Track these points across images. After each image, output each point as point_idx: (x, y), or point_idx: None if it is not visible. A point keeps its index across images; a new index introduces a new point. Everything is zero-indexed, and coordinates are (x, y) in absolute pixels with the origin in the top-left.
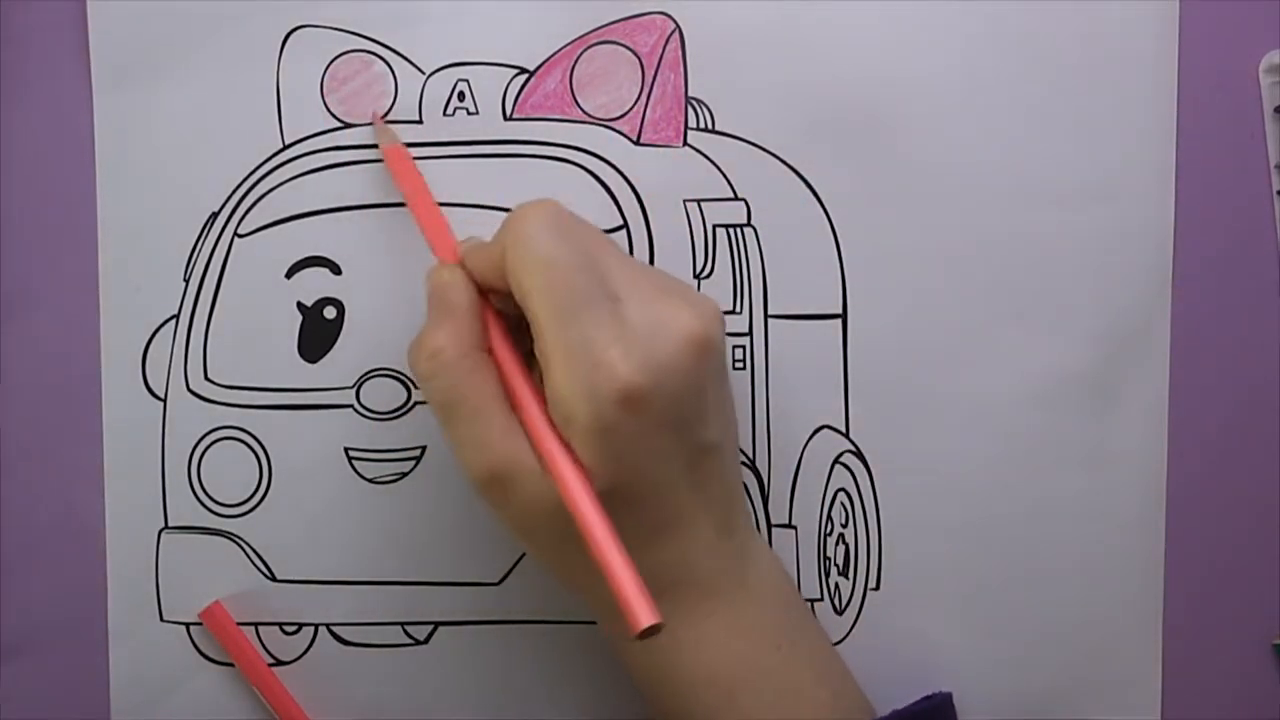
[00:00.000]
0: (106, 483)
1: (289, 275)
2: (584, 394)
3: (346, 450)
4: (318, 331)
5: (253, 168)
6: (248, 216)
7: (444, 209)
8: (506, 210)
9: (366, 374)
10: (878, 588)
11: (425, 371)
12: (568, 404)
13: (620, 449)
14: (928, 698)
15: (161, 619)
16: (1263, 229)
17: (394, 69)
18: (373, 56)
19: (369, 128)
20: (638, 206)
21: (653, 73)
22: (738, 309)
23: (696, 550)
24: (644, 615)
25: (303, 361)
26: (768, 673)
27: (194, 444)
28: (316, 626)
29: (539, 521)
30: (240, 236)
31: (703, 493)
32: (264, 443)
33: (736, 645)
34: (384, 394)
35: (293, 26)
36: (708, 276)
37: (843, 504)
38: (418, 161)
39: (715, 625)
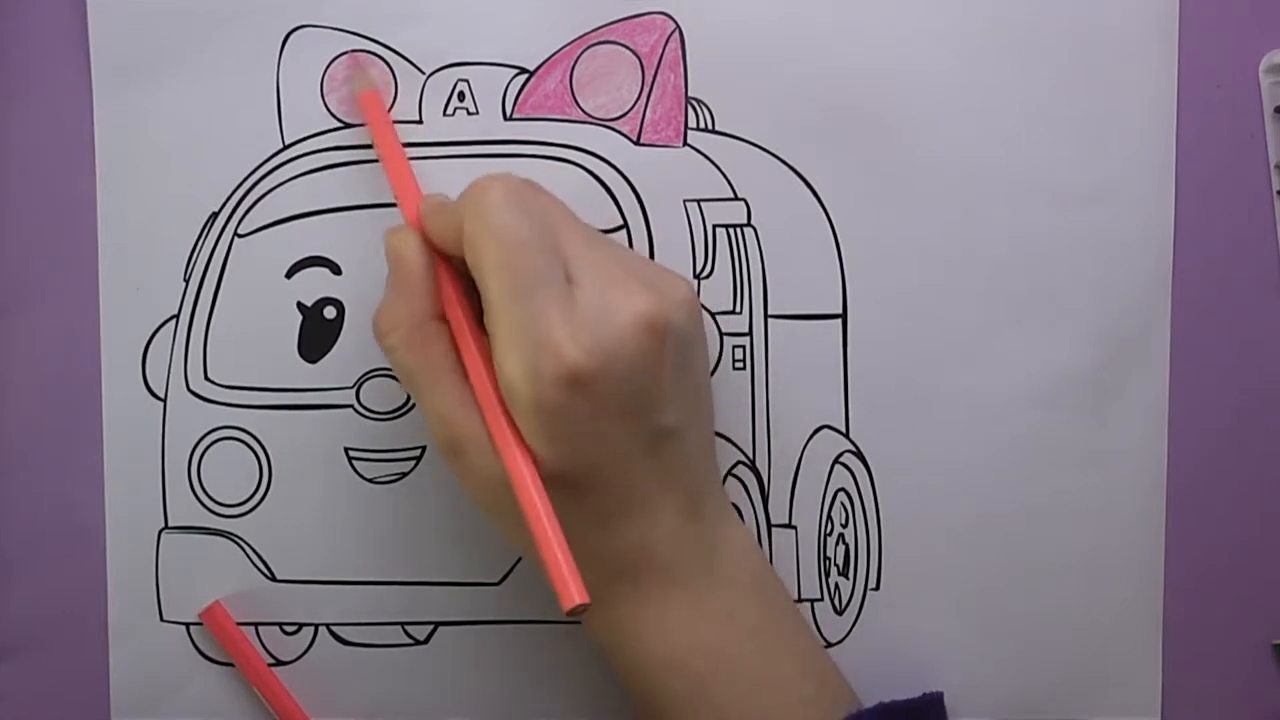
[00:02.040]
0: (106, 483)
1: (289, 275)
2: (527, 374)
3: (346, 450)
4: (318, 331)
5: (253, 168)
6: (248, 216)
7: None
8: None
9: (366, 374)
10: (878, 588)
11: (385, 346)
12: (511, 382)
13: (564, 431)
14: (921, 696)
15: (161, 619)
16: (1263, 229)
17: (394, 69)
18: (373, 57)
19: (368, 128)
20: (638, 206)
21: (653, 73)
22: (738, 309)
23: (657, 535)
24: (569, 593)
25: (303, 361)
26: (740, 662)
27: (194, 444)
28: (316, 626)
29: (491, 492)
30: (240, 236)
31: (662, 478)
32: (264, 443)
33: (703, 632)
34: (384, 394)
35: (293, 26)
36: (708, 276)
37: (843, 504)
38: (418, 162)
39: (679, 611)
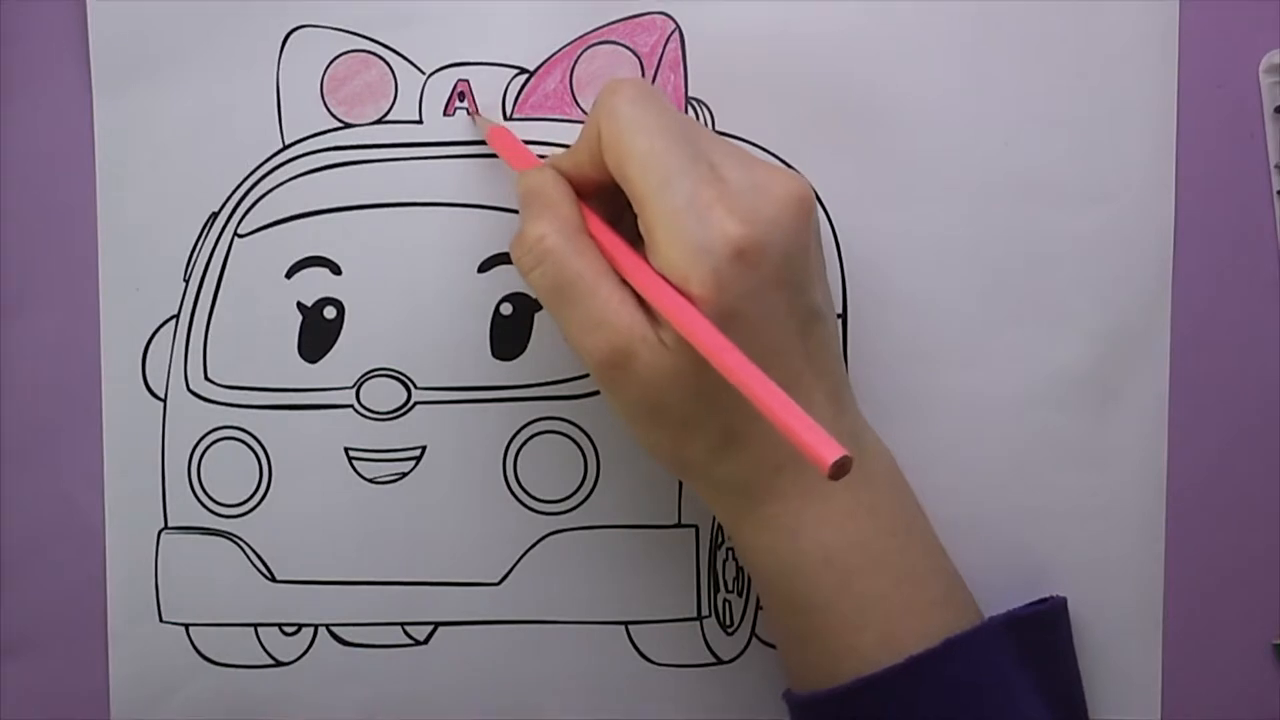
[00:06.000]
0: (106, 483)
1: (289, 275)
2: (697, 255)
3: (346, 450)
4: (318, 331)
5: (253, 168)
6: (248, 216)
7: (444, 209)
8: (507, 210)
9: (366, 374)
10: None
11: (530, 260)
12: (681, 268)
13: (737, 307)
14: (1041, 601)
15: (161, 619)
16: (1263, 229)
17: (394, 69)
18: (373, 56)
19: (369, 128)
20: None
21: (653, 73)
22: None
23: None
24: (831, 446)
25: (303, 361)
26: (884, 558)
27: (194, 444)
28: (316, 627)
29: (664, 394)
30: (240, 236)
31: (815, 362)
32: (264, 443)
33: (854, 527)
34: (384, 394)
35: (293, 26)
36: None
37: None
38: (416, 162)
39: (835, 505)
